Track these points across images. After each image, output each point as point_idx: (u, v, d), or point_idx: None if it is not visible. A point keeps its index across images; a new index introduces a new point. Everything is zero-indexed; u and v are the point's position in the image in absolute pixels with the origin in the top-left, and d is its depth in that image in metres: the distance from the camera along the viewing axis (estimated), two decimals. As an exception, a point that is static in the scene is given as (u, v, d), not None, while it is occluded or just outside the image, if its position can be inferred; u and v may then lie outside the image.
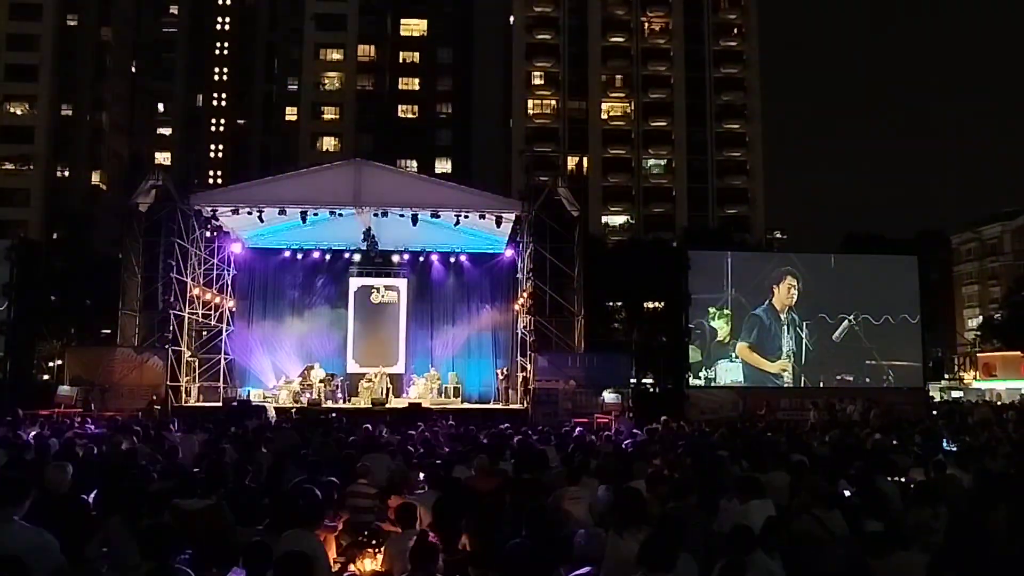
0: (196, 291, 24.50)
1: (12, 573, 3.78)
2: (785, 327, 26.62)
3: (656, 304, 44.76)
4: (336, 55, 67.64)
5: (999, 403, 33.56)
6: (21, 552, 4.08)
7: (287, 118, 68.04)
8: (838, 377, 26.69)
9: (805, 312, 26.73)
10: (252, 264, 27.35)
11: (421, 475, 8.42)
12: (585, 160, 67.78)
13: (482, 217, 23.00)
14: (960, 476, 8.55)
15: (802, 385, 26.34)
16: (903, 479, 8.62)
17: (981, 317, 57.53)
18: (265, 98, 69.86)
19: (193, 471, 7.76)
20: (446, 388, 25.49)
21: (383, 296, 26.64)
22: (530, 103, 68.44)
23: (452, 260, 27.42)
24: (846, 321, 26.70)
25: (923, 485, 7.35)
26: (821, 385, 26.35)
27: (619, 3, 68.73)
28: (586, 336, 24.88)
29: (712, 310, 26.39)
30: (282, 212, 22.61)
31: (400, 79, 67.66)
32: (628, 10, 69.00)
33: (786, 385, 26.40)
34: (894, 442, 13.10)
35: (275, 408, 21.98)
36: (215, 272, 25.79)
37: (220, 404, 22.85)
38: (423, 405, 22.74)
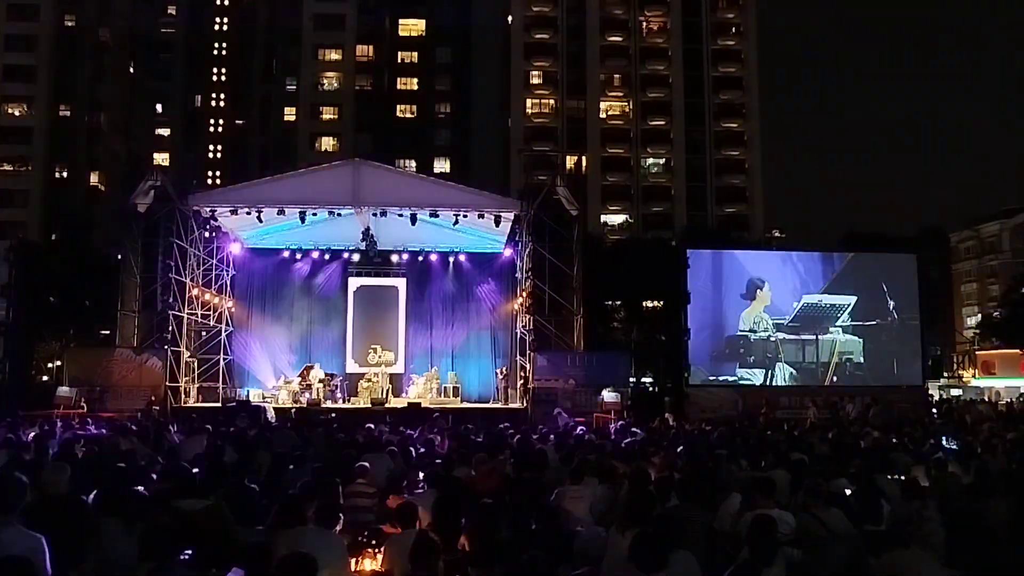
0: (195, 292, 24.47)
1: (21, 574, 3.80)
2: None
3: (655, 303, 44.73)
4: (334, 55, 67.63)
5: (1000, 402, 33.58)
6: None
7: (286, 118, 68.00)
8: (835, 378, 26.70)
9: (803, 310, 26.76)
10: (251, 264, 27.32)
11: (421, 475, 8.42)
12: (584, 159, 67.79)
13: (481, 217, 22.97)
14: (960, 474, 8.55)
15: (801, 384, 26.35)
16: (903, 477, 8.62)
17: (980, 315, 57.50)
18: (263, 98, 69.78)
19: (192, 472, 7.75)
20: (445, 388, 25.49)
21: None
22: (529, 102, 68.42)
23: (451, 260, 27.40)
24: (844, 315, 26.76)
25: (909, 481, 7.37)
26: (826, 384, 26.35)
27: (617, 2, 68.73)
28: (585, 335, 24.86)
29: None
30: (281, 212, 22.59)
31: (398, 79, 67.68)
32: (626, 9, 69.01)
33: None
34: (893, 440, 13.10)
35: (274, 408, 21.98)
36: (214, 272, 25.76)
37: (219, 404, 22.85)
38: (423, 405, 22.74)
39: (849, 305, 26.88)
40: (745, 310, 26.68)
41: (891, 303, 26.98)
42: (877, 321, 26.92)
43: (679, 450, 10.38)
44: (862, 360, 26.92)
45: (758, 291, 26.80)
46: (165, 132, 69.59)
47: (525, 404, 23.20)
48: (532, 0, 68.52)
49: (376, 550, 6.12)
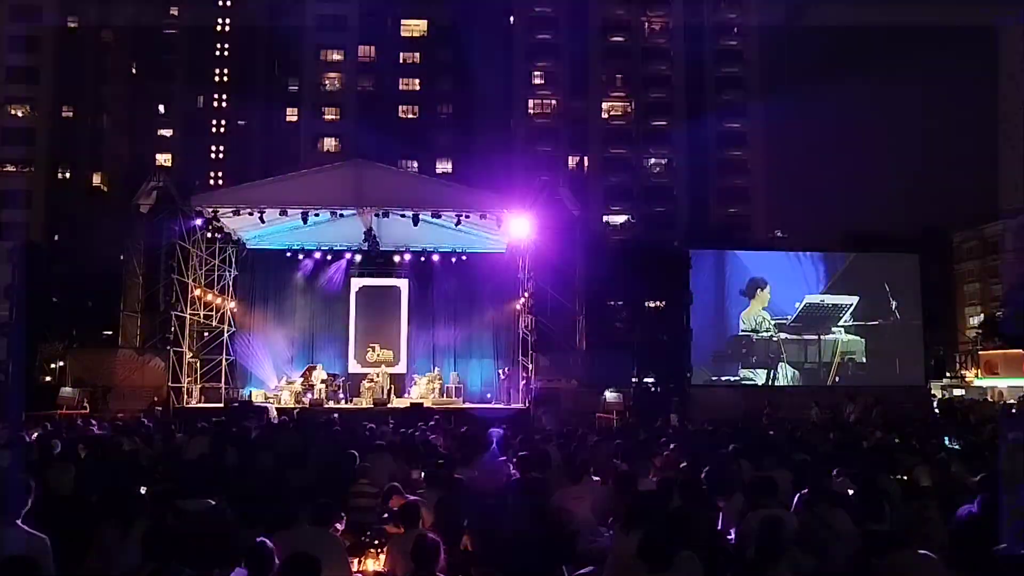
0: (197, 292, 24.49)
1: (25, 574, 3.82)
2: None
3: (657, 303, 44.76)
4: (336, 56, 67.66)
5: (1010, 401, 33.47)
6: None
7: (288, 119, 68.03)
8: (837, 378, 26.68)
9: (805, 310, 26.75)
10: (253, 265, 27.33)
11: (423, 475, 8.43)
12: (586, 159, 67.78)
13: (483, 217, 22.97)
14: (964, 474, 8.54)
15: (803, 384, 26.35)
16: (906, 477, 8.62)
17: (983, 315, 57.43)
18: (266, 99, 69.79)
19: (195, 472, 7.76)
20: (448, 388, 25.49)
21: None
22: (531, 102, 68.43)
23: (453, 260, 27.37)
24: (847, 315, 26.74)
25: (912, 482, 7.37)
26: (828, 384, 26.33)
27: (619, 3, 68.71)
28: (587, 335, 24.87)
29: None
30: (283, 213, 22.59)
31: (400, 79, 67.69)
32: (628, 10, 68.98)
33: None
34: (896, 440, 13.09)
35: (277, 409, 21.99)
36: (216, 273, 25.78)
37: (222, 405, 22.87)
38: (425, 405, 22.75)
39: (851, 305, 26.86)
40: (744, 310, 26.66)
41: (893, 303, 26.97)
42: (879, 321, 26.91)
43: (681, 450, 10.37)
44: (864, 360, 26.91)
45: (758, 291, 26.78)
46: (167, 133, 69.58)
47: (527, 404, 23.21)
48: (534, 0, 68.51)
49: (379, 550, 6.14)
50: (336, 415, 18.82)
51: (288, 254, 27.08)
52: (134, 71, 69.07)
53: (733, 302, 26.79)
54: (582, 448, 10.52)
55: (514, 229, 23.53)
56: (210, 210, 23.25)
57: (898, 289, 27.10)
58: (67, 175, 62.99)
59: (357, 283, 27.85)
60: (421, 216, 22.59)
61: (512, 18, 69.43)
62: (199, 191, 26.58)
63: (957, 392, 42.59)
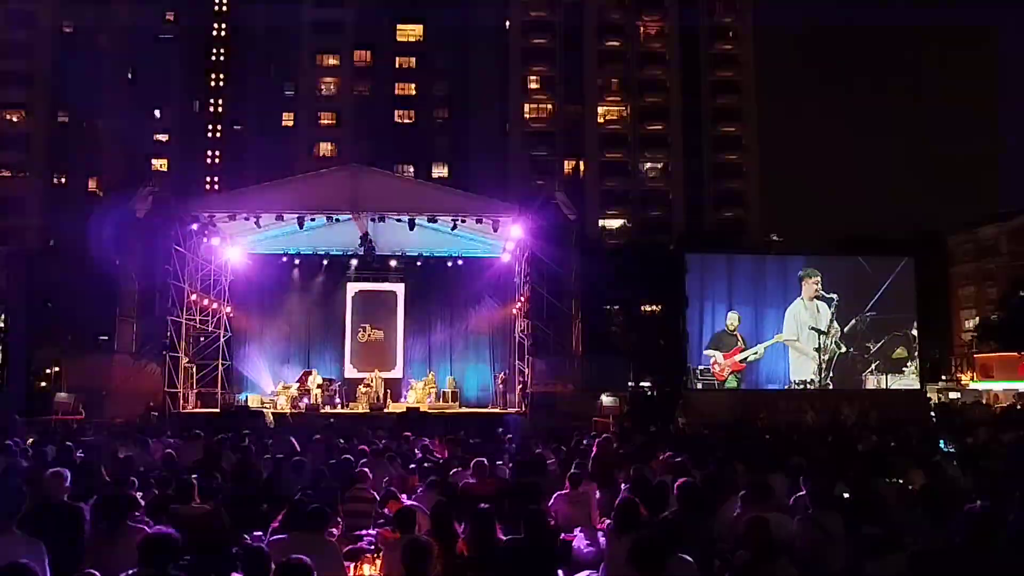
0: (194, 297, 24.47)
1: None
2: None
3: (653, 307, 44.78)
4: (333, 60, 67.70)
5: (997, 405, 33.57)
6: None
7: (284, 123, 68.01)
8: (832, 382, 26.69)
9: (800, 313, 26.78)
10: (250, 270, 27.33)
11: (419, 480, 8.44)
12: (582, 164, 67.84)
13: (479, 221, 23.00)
14: (959, 477, 8.57)
15: (799, 388, 26.37)
16: (901, 480, 8.63)
17: (978, 318, 57.50)
18: (262, 104, 69.82)
19: (191, 477, 7.76)
20: (444, 392, 25.50)
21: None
22: (527, 107, 68.47)
23: (449, 264, 27.40)
24: (842, 318, 26.76)
25: (924, 492, 7.33)
26: (823, 388, 26.37)
27: (614, 7, 68.85)
28: (584, 339, 24.87)
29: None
30: (279, 218, 22.60)
31: (397, 84, 67.74)
32: (624, 14, 69.12)
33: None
34: (891, 444, 13.12)
35: (273, 414, 21.97)
36: (212, 278, 25.77)
37: (218, 410, 22.84)
38: (421, 410, 22.75)
39: (848, 307, 26.88)
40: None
41: (889, 306, 27.00)
42: (874, 324, 26.92)
43: (678, 454, 10.38)
44: (859, 363, 26.93)
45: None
46: (163, 138, 69.54)
47: (524, 409, 23.21)
48: (530, 5, 68.61)
49: (375, 555, 6.14)
50: (332, 420, 18.85)
51: (284, 259, 27.10)
52: (130, 76, 69.02)
53: (731, 306, 26.80)
54: (578, 453, 10.53)
55: (510, 233, 23.55)
56: (206, 215, 23.25)
57: (893, 292, 27.11)
58: (63, 180, 62.89)
59: (353, 288, 27.87)
60: (417, 221, 22.62)
61: (508, 22, 69.51)
62: (195, 196, 26.58)
63: (953, 395, 42.69)
